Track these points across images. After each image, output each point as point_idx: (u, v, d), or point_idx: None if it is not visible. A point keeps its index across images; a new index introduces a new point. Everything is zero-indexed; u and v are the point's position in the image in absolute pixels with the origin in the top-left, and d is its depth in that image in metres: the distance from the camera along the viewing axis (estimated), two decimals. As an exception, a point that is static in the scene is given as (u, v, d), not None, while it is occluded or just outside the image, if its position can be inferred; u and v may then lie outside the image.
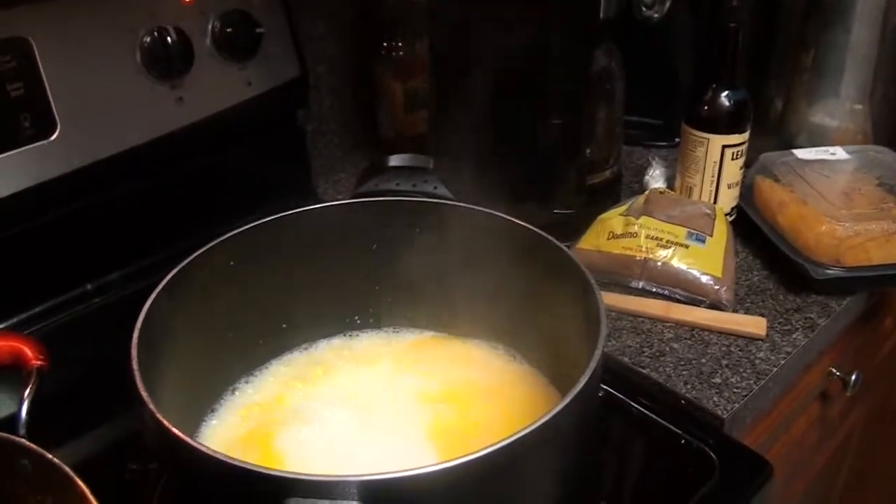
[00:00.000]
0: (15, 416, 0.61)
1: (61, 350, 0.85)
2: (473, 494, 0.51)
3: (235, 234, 0.68)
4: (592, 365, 0.54)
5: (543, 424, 0.50)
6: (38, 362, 0.62)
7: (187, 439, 0.49)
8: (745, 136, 0.97)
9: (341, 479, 0.46)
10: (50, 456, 0.55)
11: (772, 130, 1.13)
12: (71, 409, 0.81)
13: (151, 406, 0.52)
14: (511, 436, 0.49)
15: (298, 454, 0.67)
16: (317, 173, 1.16)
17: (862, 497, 1.50)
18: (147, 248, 0.94)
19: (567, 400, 0.51)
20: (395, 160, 0.76)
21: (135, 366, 0.56)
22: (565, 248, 0.64)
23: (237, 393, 0.73)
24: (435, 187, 0.73)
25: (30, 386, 0.61)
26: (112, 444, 0.77)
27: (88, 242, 0.90)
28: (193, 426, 0.69)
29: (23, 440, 0.56)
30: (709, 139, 0.96)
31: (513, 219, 0.68)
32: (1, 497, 0.59)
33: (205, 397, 0.72)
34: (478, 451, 0.48)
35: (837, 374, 1.03)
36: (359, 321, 0.79)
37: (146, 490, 0.70)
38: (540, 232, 0.66)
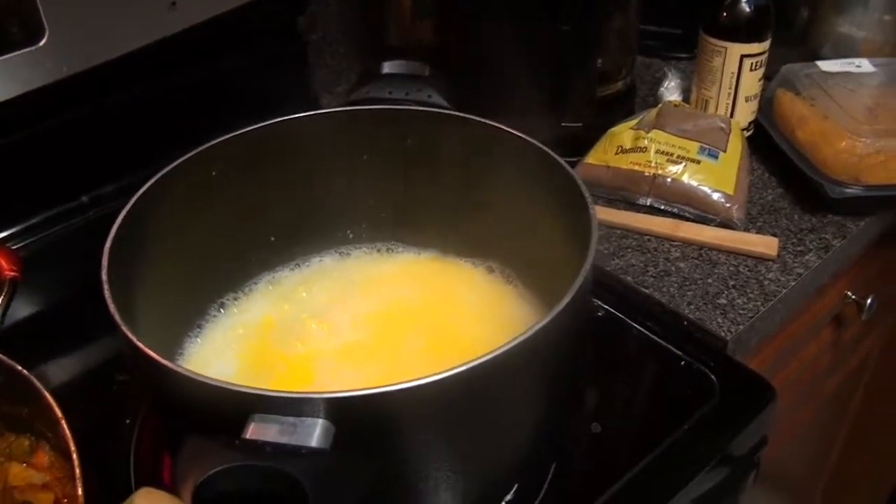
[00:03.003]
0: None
1: (57, 264, 0.85)
2: (450, 413, 0.49)
3: (216, 144, 0.65)
4: (579, 280, 0.51)
5: (521, 343, 0.47)
6: (12, 273, 0.61)
7: (151, 353, 0.47)
8: (766, 45, 0.91)
9: (306, 395, 0.44)
10: (20, 368, 0.54)
11: (796, 41, 1.08)
12: (68, 324, 0.80)
13: (118, 318, 0.50)
14: (485, 354, 0.46)
15: (282, 373, 0.66)
16: (320, 84, 1.12)
17: (876, 424, 1.48)
18: (142, 158, 0.90)
19: (547, 320, 0.48)
20: (388, 67, 0.72)
21: (105, 277, 0.53)
22: (560, 159, 0.61)
23: (223, 310, 0.71)
24: (429, 96, 0.69)
25: (2, 297, 0.60)
26: (110, 358, 0.76)
27: (82, 153, 0.88)
28: (176, 344, 0.67)
29: (-6, 352, 0.55)
30: (727, 48, 0.90)
31: (507, 128, 0.64)
32: (-26, 408, 0.58)
33: (190, 313, 0.70)
34: (451, 369, 0.45)
35: (853, 297, 1.00)
36: (352, 236, 0.76)
37: (131, 403, 0.70)
38: (534, 142, 0.63)
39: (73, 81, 0.81)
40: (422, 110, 0.68)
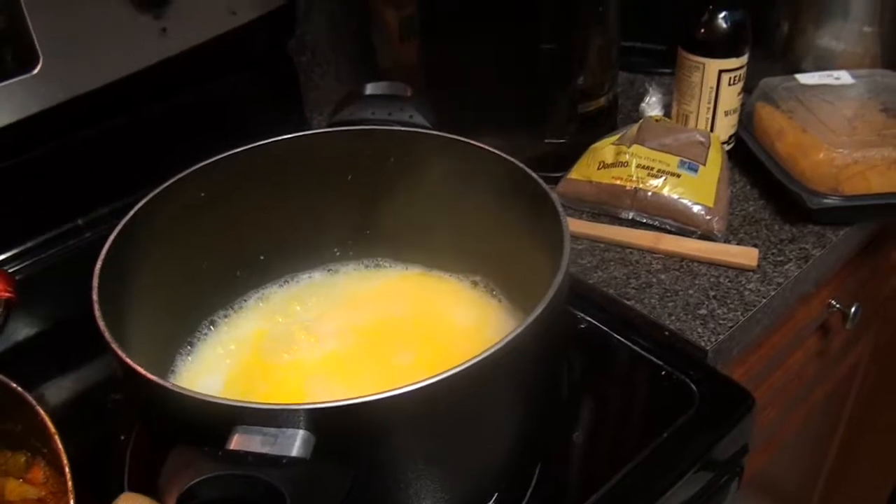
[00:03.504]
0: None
1: (53, 286, 0.87)
2: (429, 422, 0.51)
3: (203, 166, 0.67)
4: (552, 291, 0.52)
5: (496, 351, 0.49)
6: (7, 294, 0.63)
7: (137, 368, 0.49)
8: (743, 60, 0.93)
9: (288, 407, 0.46)
10: (14, 385, 0.56)
11: (777, 55, 1.10)
12: (64, 344, 0.82)
13: (108, 335, 0.52)
14: (464, 362, 0.48)
15: (273, 387, 0.67)
16: (312, 105, 1.14)
17: (869, 432, 1.49)
18: (137, 181, 0.92)
19: (521, 328, 0.50)
20: (371, 88, 0.74)
21: (95, 297, 0.55)
22: (534, 175, 0.63)
23: (213, 327, 0.73)
24: (411, 116, 0.71)
25: (-3, 318, 0.61)
26: (105, 378, 0.78)
27: (77, 177, 0.90)
28: (168, 362, 0.69)
29: (-13, 370, 0.57)
30: (705, 63, 0.93)
31: (485, 147, 0.66)
32: (-31, 425, 0.60)
33: (182, 331, 0.71)
34: (429, 378, 0.47)
35: (837, 306, 1.01)
36: (338, 254, 0.78)
37: (125, 420, 0.71)
38: (511, 159, 0.65)
39: (67, 107, 0.83)
40: (404, 130, 0.70)
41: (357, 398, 0.46)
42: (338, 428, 0.47)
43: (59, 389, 0.79)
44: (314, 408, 0.46)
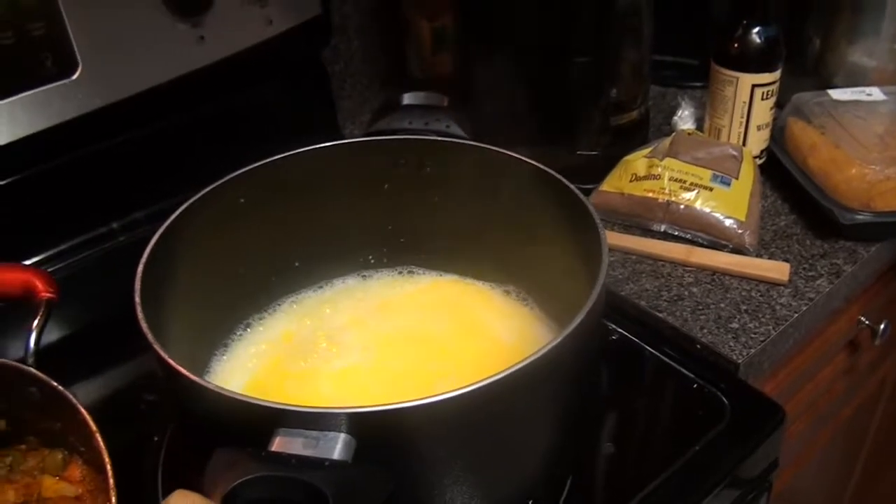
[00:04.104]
0: (25, 347, 0.62)
1: (88, 288, 0.88)
2: (467, 429, 0.51)
3: (244, 172, 0.68)
4: (590, 303, 0.53)
5: (535, 361, 0.49)
6: (48, 294, 0.63)
7: (179, 368, 0.50)
8: (777, 74, 0.93)
9: (330, 410, 0.47)
10: (55, 384, 0.57)
11: (809, 71, 1.10)
12: (97, 345, 0.83)
13: (150, 336, 0.53)
14: (502, 371, 0.48)
15: (306, 390, 0.68)
16: (344, 114, 1.15)
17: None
18: (171, 187, 0.94)
19: (559, 339, 0.50)
20: (408, 98, 0.75)
21: (137, 299, 0.56)
22: (572, 186, 0.63)
23: (249, 329, 0.74)
24: (448, 126, 0.72)
25: (38, 317, 0.62)
26: (138, 379, 0.79)
27: (113, 182, 0.91)
28: (204, 362, 0.70)
29: (31, 369, 0.58)
30: (738, 78, 0.93)
31: (521, 157, 0.67)
32: (13, 422, 0.61)
33: (218, 333, 0.72)
34: (468, 386, 0.47)
35: (867, 322, 1.01)
36: (373, 261, 0.79)
37: (159, 421, 0.72)
38: (547, 169, 0.65)
39: (105, 112, 0.84)
40: (440, 140, 0.71)
41: (397, 403, 0.47)
42: (378, 432, 0.47)
43: (93, 389, 0.80)
44: (355, 412, 0.47)
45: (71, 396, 0.55)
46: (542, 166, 0.66)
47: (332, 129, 1.10)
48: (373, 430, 0.47)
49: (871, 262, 0.90)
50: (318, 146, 0.71)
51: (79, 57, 0.80)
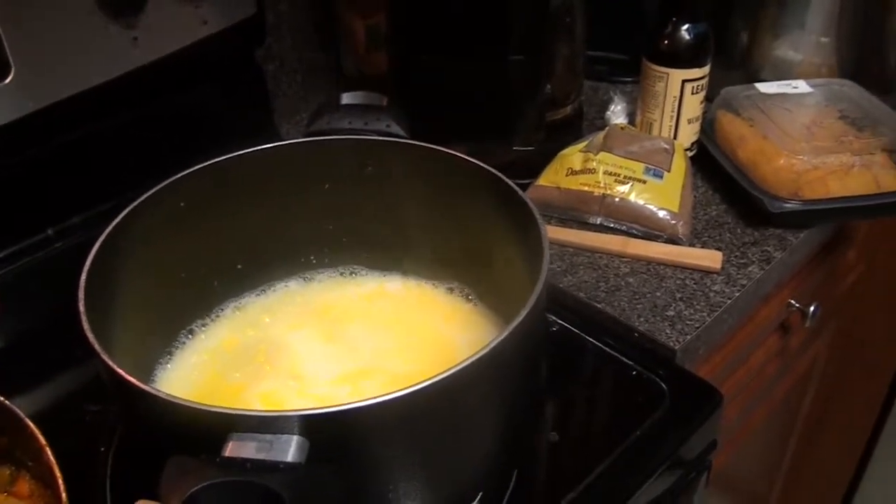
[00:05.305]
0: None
1: (24, 296, 0.87)
2: (417, 426, 0.52)
3: (184, 176, 0.68)
4: (533, 297, 0.54)
5: (483, 357, 0.50)
6: (-10, 305, 0.62)
7: (130, 378, 0.50)
8: (706, 70, 0.96)
9: (282, 413, 0.47)
10: (1, 398, 0.56)
11: (737, 64, 1.13)
12: (35, 354, 0.82)
13: (97, 346, 0.53)
14: (450, 368, 0.49)
15: (254, 396, 0.68)
16: (280, 114, 1.15)
17: (826, 428, 1.54)
18: (107, 191, 0.93)
19: (504, 335, 0.51)
20: (347, 98, 0.75)
21: (82, 307, 0.56)
22: (511, 183, 0.64)
23: (192, 337, 0.73)
24: (388, 125, 0.72)
25: (-20, 329, 0.61)
26: (80, 388, 0.78)
27: (48, 187, 0.89)
28: (149, 370, 0.69)
29: (-27, 383, 0.57)
30: (668, 74, 0.95)
31: (461, 155, 0.68)
32: (-45, 438, 0.60)
33: (161, 340, 0.72)
34: (416, 384, 0.48)
35: (797, 305, 1.05)
36: (315, 262, 0.79)
37: (105, 431, 0.72)
38: (487, 167, 0.66)
39: (39, 116, 0.82)
40: (380, 140, 0.72)
41: (348, 403, 0.48)
42: (330, 433, 0.48)
43: (35, 401, 0.78)
44: (307, 413, 0.47)
45: (17, 410, 0.54)
46: (480, 163, 0.67)
47: (269, 128, 1.10)
48: (325, 430, 0.48)
49: (800, 248, 0.93)
50: (258, 147, 0.71)
51: (11, 61, 0.79)
